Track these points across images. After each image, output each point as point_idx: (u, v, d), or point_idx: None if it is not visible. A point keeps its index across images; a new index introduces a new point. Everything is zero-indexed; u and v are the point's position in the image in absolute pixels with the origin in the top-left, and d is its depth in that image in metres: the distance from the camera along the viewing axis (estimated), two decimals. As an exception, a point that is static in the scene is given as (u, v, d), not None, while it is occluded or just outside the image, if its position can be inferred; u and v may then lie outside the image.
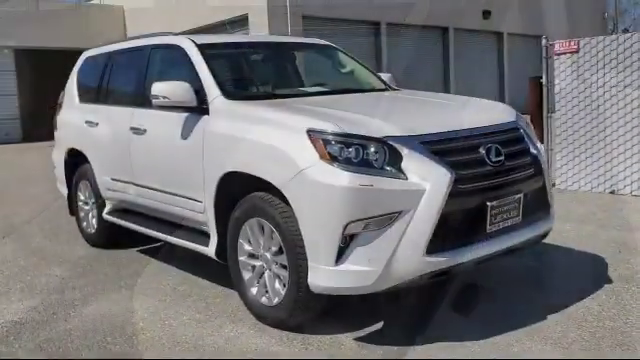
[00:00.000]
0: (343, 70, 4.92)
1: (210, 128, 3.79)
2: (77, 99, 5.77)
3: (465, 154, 3.19)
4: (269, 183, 3.29)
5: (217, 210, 3.77)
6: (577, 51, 7.27)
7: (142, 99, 4.69)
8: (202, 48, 4.21)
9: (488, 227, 3.20)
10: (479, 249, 3.17)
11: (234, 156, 3.57)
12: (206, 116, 3.88)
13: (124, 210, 5.20)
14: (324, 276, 3.03)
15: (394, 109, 3.79)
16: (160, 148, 4.30)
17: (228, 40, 4.81)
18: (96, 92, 5.44)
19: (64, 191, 6.02)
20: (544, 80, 7.76)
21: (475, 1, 23.60)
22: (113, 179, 5.01)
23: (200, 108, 3.91)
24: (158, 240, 5.17)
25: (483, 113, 3.77)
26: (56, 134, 6.12)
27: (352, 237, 2.98)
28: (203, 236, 4.04)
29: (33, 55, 26.67)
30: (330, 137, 3.07)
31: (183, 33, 5.01)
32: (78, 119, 5.54)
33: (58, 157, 5.99)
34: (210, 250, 3.87)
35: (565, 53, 7.39)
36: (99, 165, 5.20)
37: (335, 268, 2.99)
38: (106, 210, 5.27)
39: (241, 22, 19.04)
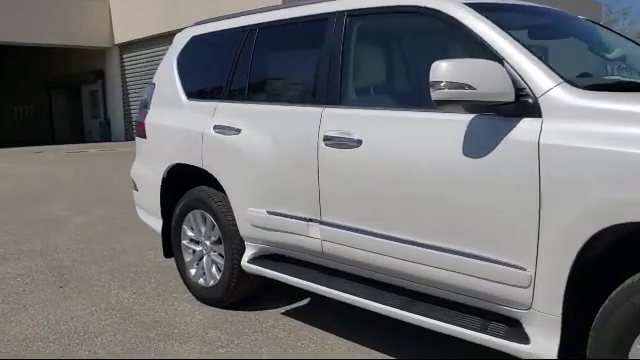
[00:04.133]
0: (612, 54, 3.36)
1: (554, 140, 2.18)
2: (184, 95, 4.05)
3: None
4: None
5: (571, 289, 2.15)
6: None
7: (337, 93, 3.04)
8: (484, 12, 2.60)
9: None
10: None
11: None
12: (529, 119, 2.27)
13: (277, 257, 3.53)
14: None
15: None
16: (405, 171, 2.65)
17: (503, 1, 3.14)
18: (227, 84, 3.74)
19: (156, 224, 4.28)
20: None
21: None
22: (271, 212, 3.33)
23: (521, 105, 2.29)
24: (306, 293, 3.57)
25: None
26: (142, 143, 4.37)
27: None
28: (507, 324, 2.42)
29: (6, 52, 24.39)
30: None
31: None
32: (192, 123, 3.84)
33: (149, 175, 4.25)
34: (544, 353, 2.24)
35: None
36: (242, 191, 3.50)
37: None
38: (248, 256, 3.58)
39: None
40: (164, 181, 4.10)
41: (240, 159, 3.47)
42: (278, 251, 3.49)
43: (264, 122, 3.39)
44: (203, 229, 3.91)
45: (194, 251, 4.01)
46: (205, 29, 4.10)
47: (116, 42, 23.17)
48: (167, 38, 20.58)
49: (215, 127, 3.66)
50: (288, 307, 3.85)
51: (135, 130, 4.43)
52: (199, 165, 3.78)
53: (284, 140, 3.23)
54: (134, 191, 4.54)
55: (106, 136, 24.26)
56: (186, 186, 4.05)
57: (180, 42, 4.27)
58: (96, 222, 6.87)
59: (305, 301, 3.95)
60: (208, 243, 3.89)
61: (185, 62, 4.15)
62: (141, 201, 4.45)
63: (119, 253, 5.38)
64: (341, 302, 3.04)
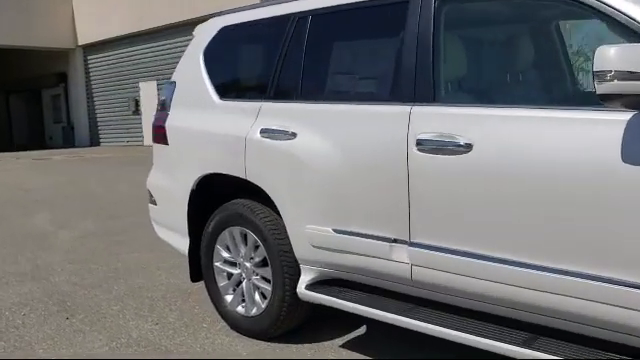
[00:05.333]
0: None
1: None
2: (215, 95, 3.51)
3: None
4: None
5: None
6: None
7: (430, 89, 2.56)
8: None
9: None
10: None
11: None
12: None
13: (338, 282, 3.03)
14: None
15: None
16: (537, 183, 2.18)
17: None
18: (273, 81, 3.22)
19: (180, 243, 3.72)
20: None
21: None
22: (340, 231, 2.83)
23: None
24: (360, 319, 3.09)
25: None
26: (162, 150, 3.81)
27: None
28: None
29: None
30: None
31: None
32: (230, 127, 3.33)
33: (172, 187, 3.69)
34: None
35: None
36: (299, 205, 2.99)
37: None
38: (306, 282, 3.07)
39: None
40: (192, 194, 3.54)
41: (297, 168, 2.96)
42: (342, 276, 2.99)
43: (328, 124, 2.89)
44: (242, 249, 3.38)
45: (230, 275, 3.48)
46: (238, 19, 3.57)
47: (80, 43, 22.16)
48: (137, 38, 19.75)
49: (262, 131, 3.14)
50: (345, 337, 3.35)
51: (153, 135, 3.86)
52: (241, 175, 3.25)
53: (358, 145, 2.74)
54: (151, 205, 3.97)
55: (69, 141, 23.21)
56: (217, 199, 3.51)
57: (205, 34, 3.72)
58: (86, 237, 6.23)
59: (362, 329, 3.45)
60: (248, 265, 3.36)
61: (214, 57, 3.61)
62: (161, 217, 3.88)
63: (124, 274, 4.78)
64: (404, 329, 2.59)
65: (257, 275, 3.33)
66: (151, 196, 3.94)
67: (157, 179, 3.87)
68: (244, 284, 3.40)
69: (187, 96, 3.69)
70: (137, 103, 20.54)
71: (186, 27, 17.64)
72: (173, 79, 3.84)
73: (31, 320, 3.83)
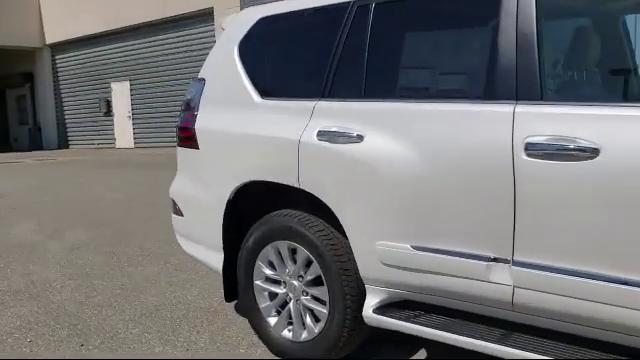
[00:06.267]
0: None
1: None
2: (255, 93, 3.12)
3: None
4: None
5: None
6: None
7: (536, 85, 2.23)
8: None
9: None
10: None
11: None
12: None
13: (406, 304, 2.69)
14: None
15: None
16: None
17: None
18: (329, 77, 2.85)
19: (212, 258, 3.32)
20: None
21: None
22: (420, 248, 2.48)
23: None
24: (419, 339, 2.73)
25: None
26: (191, 155, 3.41)
27: None
28: None
29: None
30: None
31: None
32: (278, 128, 2.95)
33: (204, 196, 3.29)
34: None
35: None
36: (367, 218, 2.64)
37: None
38: (374, 304, 2.71)
39: (203, 18, 16.15)
40: (229, 204, 3.15)
41: (366, 176, 2.60)
42: (417, 297, 2.64)
43: (404, 125, 2.53)
44: (290, 266, 3.01)
45: (274, 294, 3.11)
46: (278, 9, 3.19)
47: (47, 42, 21.30)
48: (107, 38, 19.05)
49: (319, 133, 2.77)
50: (409, 363, 3.00)
51: (178, 138, 3.45)
52: (292, 183, 2.87)
53: (445, 149, 2.39)
54: (175, 216, 3.56)
55: (36, 143, 22.28)
56: (252, 210, 3.15)
57: (239, 27, 3.33)
58: (79, 248, 5.73)
59: (422, 352, 3.11)
60: (296, 284, 3.00)
61: (252, 51, 3.23)
62: (189, 229, 3.47)
63: (133, 291, 4.34)
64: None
65: (307, 295, 2.96)
66: (175, 205, 3.53)
67: (184, 187, 3.47)
68: (291, 305, 3.04)
69: (220, 95, 3.30)
70: (109, 104, 19.82)
71: (156, 27, 17.16)
72: (201, 76, 3.44)
73: (39, 348, 3.38)
